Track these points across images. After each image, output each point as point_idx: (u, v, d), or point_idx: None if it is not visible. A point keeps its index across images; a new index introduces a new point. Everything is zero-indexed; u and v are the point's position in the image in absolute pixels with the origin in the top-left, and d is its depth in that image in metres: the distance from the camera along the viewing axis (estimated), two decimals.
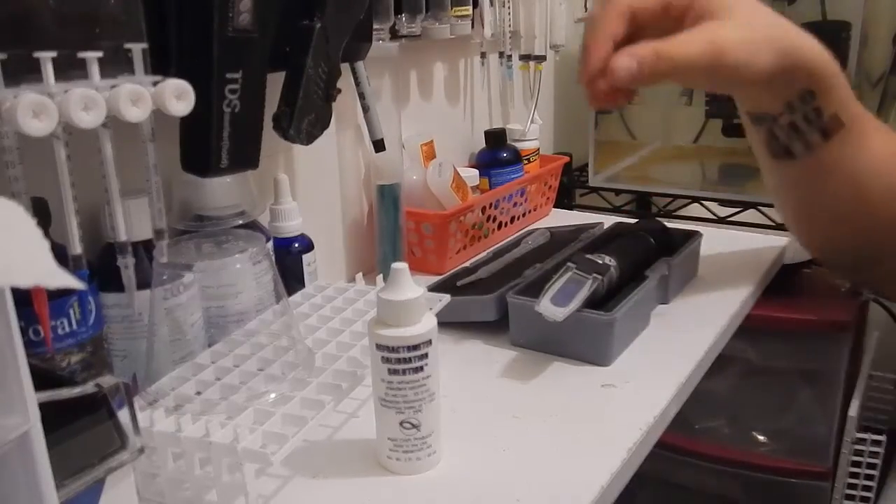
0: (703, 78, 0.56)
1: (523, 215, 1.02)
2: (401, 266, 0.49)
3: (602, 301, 0.67)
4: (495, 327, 0.70)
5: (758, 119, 0.62)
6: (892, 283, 0.68)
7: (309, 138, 0.65)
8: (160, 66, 0.51)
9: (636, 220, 0.87)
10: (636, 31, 0.56)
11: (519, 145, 1.05)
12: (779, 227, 1.20)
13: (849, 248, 0.68)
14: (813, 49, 0.57)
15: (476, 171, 0.98)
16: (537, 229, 0.93)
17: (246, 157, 0.60)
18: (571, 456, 0.52)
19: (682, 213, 1.30)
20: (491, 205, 0.94)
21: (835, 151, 0.61)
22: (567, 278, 0.65)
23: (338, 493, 0.50)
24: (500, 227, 0.97)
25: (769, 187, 0.69)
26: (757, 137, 0.64)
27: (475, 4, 0.98)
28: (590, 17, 0.56)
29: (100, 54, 0.46)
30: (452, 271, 0.82)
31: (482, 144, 1.05)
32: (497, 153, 1.02)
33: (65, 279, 0.26)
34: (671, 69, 0.52)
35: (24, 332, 0.42)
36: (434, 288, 0.73)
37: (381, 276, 0.69)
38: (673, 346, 0.68)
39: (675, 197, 1.28)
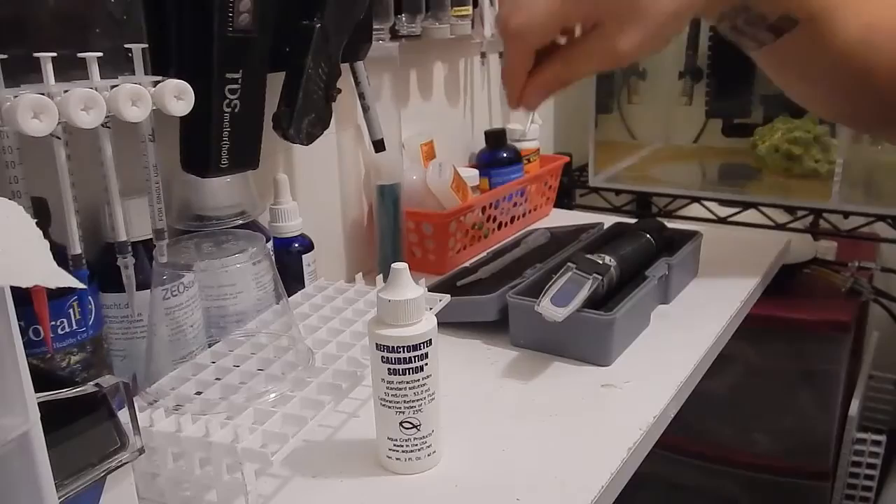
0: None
1: (523, 215, 1.02)
2: (401, 266, 0.49)
3: (602, 301, 0.67)
4: (495, 327, 0.70)
5: (710, 20, 0.62)
6: None
7: (309, 138, 0.65)
8: (160, 66, 0.51)
9: (636, 220, 0.87)
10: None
11: (519, 145, 1.05)
12: (779, 227, 1.20)
13: (860, 109, 0.65)
14: None
15: (476, 171, 0.98)
16: (537, 229, 0.93)
17: (246, 157, 0.60)
18: (571, 456, 0.52)
19: (682, 213, 1.30)
20: (491, 205, 0.94)
21: (795, 43, 0.59)
22: (567, 278, 0.65)
23: (338, 493, 0.50)
24: (500, 227, 0.97)
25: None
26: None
27: (475, 4, 0.98)
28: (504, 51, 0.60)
29: (100, 54, 0.46)
30: (452, 271, 0.82)
31: (482, 144, 1.05)
32: (497, 153, 1.02)
33: (65, 279, 0.26)
34: (575, 81, 0.58)
35: (24, 332, 0.42)
36: (434, 288, 0.73)
37: (381, 276, 0.69)
38: (673, 346, 0.68)
39: (675, 197, 1.28)
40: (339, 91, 0.68)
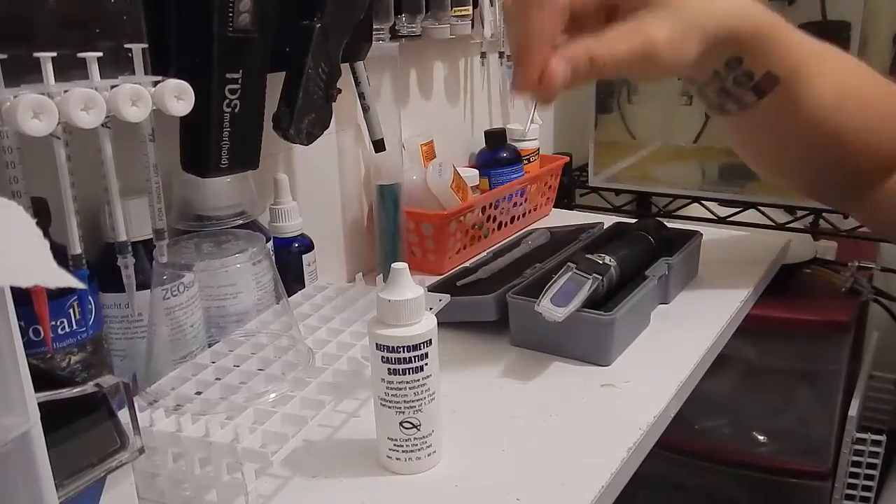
0: (635, 72, 0.56)
1: (523, 215, 1.02)
2: (401, 266, 0.49)
3: (602, 301, 0.67)
4: (495, 327, 0.70)
5: (687, 80, 0.62)
6: (882, 210, 0.67)
7: (309, 138, 0.65)
8: (160, 66, 0.51)
9: (636, 220, 0.86)
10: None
11: (519, 145, 1.05)
12: (779, 227, 1.20)
13: (828, 180, 0.67)
14: (742, 15, 0.56)
15: (476, 171, 0.98)
16: (537, 229, 0.93)
17: (246, 157, 0.60)
18: (571, 456, 0.52)
19: (682, 213, 1.29)
20: (491, 205, 0.94)
21: (774, 104, 0.60)
22: (567, 278, 0.65)
23: (338, 493, 0.50)
24: (500, 227, 0.97)
25: (723, 134, 0.69)
26: (693, 91, 0.64)
27: (475, 4, 0.98)
28: (517, 10, 0.50)
29: (100, 54, 0.46)
30: (452, 271, 0.82)
31: (482, 144, 1.05)
32: (497, 153, 1.02)
33: (65, 279, 0.26)
34: (604, 71, 0.52)
35: (24, 332, 0.42)
36: (434, 288, 0.73)
37: (381, 276, 0.69)
38: (673, 346, 0.68)
39: (675, 197, 1.28)
40: (339, 91, 0.68)
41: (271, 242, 0.70)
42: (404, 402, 0.49)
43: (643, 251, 0.76)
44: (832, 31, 1.10)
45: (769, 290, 0.86)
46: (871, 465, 1.22)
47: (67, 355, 0.52)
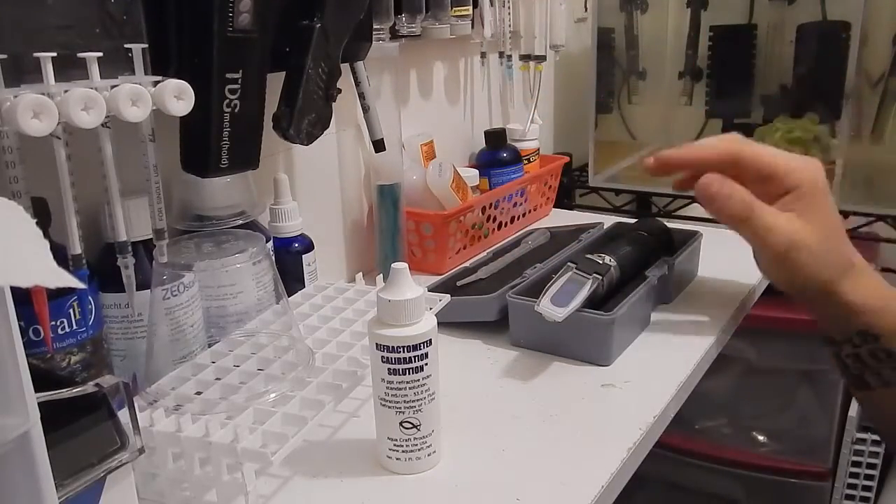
0: (772, 258, 0.62)
1: (523, 215, 1.02)
2: (401, 266, 0.49)
3: (602, 301, 0.67)
4: (495, 327, 0.70)
5: (826, 341, 0.63)
6: None
7: (309, 138, 0.65)
8: (160, 66, 0.51)
9: (636, 220, 0.86)
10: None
11: (519, 145, 1.05)
12: None
13: None
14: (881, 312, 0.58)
15: (476, 171, 0.98)
16: (537, 229, 0.93)
17: (246, 157, 0.60)
18: (571, 456, 0.52)
19: (682, 213, 1.30)
20: (491, 205, 0.94)
21: None
22: (567, 278, 0.65)
23: (338, 493, 0.50)
24: (500, 227, 0.97)
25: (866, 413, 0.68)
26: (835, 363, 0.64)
27: (475, 4, 0.98)
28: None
29: (100, 54, 0.46)
30: (452, 271, 0.82)
31: (482, 144, 1.05)
32: (497, 153, 1.02)
33: (65, 279, 0.26)
34: (751, 232, 0.60)
35: (24, 332, 0.42)
36: (434, 288, 0.73)
37: (381, 276, 0.69)
38: (673, 346, 0.68)
39: (675, 197, 1.28)
40: (339, 91, 0.68)
41: (271, 242, 0.70)
42: (404, 402, 0.49)
43: (643, 251, 0.76)
44: (832, 31, 1.10)
45: (769, 290, 0.86)
46: (871, 465, 1.22)
47: (67, 355, 0.52)
